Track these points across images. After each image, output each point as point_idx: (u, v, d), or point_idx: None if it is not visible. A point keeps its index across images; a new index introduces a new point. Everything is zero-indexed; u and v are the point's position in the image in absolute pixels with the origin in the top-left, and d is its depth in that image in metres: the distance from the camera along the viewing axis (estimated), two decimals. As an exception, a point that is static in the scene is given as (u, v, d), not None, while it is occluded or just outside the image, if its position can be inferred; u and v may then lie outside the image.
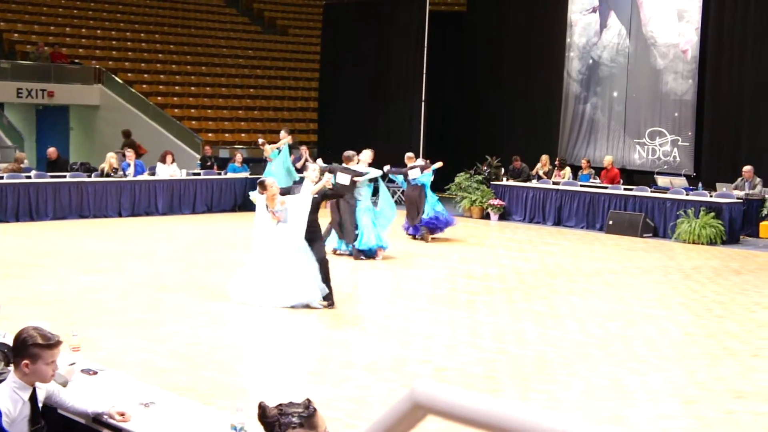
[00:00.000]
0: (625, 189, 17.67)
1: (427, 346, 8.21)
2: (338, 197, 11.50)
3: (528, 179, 19.26)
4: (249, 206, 18.56)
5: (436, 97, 22.53)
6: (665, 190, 17.16)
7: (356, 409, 6.32)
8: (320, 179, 10.05)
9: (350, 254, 13.10)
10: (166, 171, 18.13)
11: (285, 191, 9.99)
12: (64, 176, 17.24)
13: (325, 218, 11.83)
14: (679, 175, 18.21)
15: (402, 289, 11.08)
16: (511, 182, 19.06)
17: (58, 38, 24.99)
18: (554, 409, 6.52)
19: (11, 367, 3.82)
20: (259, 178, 18.43)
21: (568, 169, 19.38)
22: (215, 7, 29.69)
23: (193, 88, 25.64)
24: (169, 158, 18.33)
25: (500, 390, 6.94)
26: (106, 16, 26.80)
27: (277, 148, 17.99)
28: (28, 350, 3.69)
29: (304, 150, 19.24)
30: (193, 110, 24.88)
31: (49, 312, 8.70)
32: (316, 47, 26.74)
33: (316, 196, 9.79)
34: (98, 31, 26.11)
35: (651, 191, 17.19)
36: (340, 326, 9.04)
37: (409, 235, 15.26)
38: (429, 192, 15.02)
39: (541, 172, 19.52)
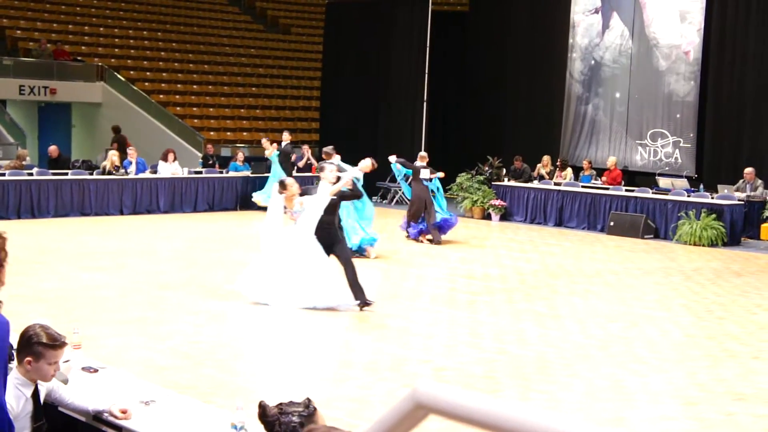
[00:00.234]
0: (626, 190, 17.68)
1: (427, 346, 8.21)
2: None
3: (529, 180, 19.26)
4: (250, 205, 18.68)
5: (437, 96, 22.52)
6: (666, 191, 17.16)
7: (356, 408, 6.32)
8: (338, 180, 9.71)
9: None
10: (168, 169, 18.14)
11: (303, 192, 9.74)
12: (66, 174, 17.25)
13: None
14: (681, 176, 18.20)
15: (402, 288, 11.08)
16: (513, 183, 19.06)
17: (61, 35, 25.01)
18: (555, 410, 6.52)
19: (14, 363, 3.82)
20: (261, 176, 18.68)
21: (569, 170, 19.38)
22: (218, 6, 29.71)
23: (195, 86, 25.66)
24: (170, 156, 18.33)
25: (500, 390, 6.93)
26: (109, 13, 26.82)
27: (277, 150, 18.07)
28: (33, 348, 3.70)
29: (306, 149, 19.27)
30: (195, 108, 24.89)
31: (49, 309, 8.71)
32: (319, 46, 26.74)
33: (334, 197, 9.60)
34: (101, 29, 26.12)
35: (652, 192, 17.19)
36: (340, 326, 9.04)
37: (411, 238, 14.99)
38: (440, 194, 15.01)
39: (543, 172, 19.52)
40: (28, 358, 3.70)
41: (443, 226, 14.98)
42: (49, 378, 3.81)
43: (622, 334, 8.91)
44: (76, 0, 26.74)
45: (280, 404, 3.46)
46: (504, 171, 19.72)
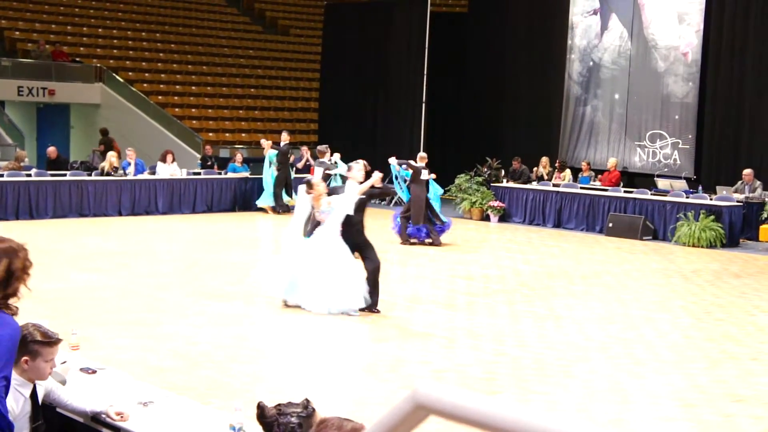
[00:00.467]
0: (625, 191, 17.68)
1: (426, 347, 8.20)
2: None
3: (528, 181, 19.26)
4: (249, 206, 18.69)
5: (436, 97, 22.51)
6: (665, 192, 17.16)
7: (355, 409, 6.32)
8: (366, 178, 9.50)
9: None
10: (167, 170, 18.13)
11: (331, 192, 9.57)
12: (65, 175, 17.25)
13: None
14: (680, 177, 18.21)
15: (401, 289, 11.07)
16: (511, 184, 19.07)
17: (60, 36, 25.00)
18: (553, 411, 6.51)
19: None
20: (260, 177, 18.70)
21: (568, 171, 19.39)
22: (216, 7, 29.71)
23: (193, 87, 25.66)
24: (169, 157, 18.33)
25: (499, 391, 6.93)
26: (108, 14, 26.82)
27: (274, 150, 18.12)
28: (28, 346, 3.70)
29: (305, 150, 19.28)
30: (193, 109, 24.89)
31: (48, 310, 8.69)
32: (317, 47, 26.75)
33: (363, 196, 9.45)
34: (99, 30, 26.12)
35: (651, 194, 17.19)
36: (340, 327, 9.03)
37: (411, 239, 14.84)
38: (436, 198, 15.00)
39: (543, 173, 19.53)
40: (25, 358, 3.70)
41: (441, 230, 14.99)
42: (46, 376, 3.81)
43: (621, 335, 8.91)
44: (75, 1, 26.75)
45: (279, 405, 3.46)
46: (503, 172, 19.73)
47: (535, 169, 19.71)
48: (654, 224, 16.57)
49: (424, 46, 21.78)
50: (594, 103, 20.57)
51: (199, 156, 21.28)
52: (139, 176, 17.77)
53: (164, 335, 8.29)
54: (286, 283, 9.48)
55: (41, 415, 3.82)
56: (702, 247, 15.42)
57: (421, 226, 14.80)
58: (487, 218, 18.66)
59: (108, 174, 17.33)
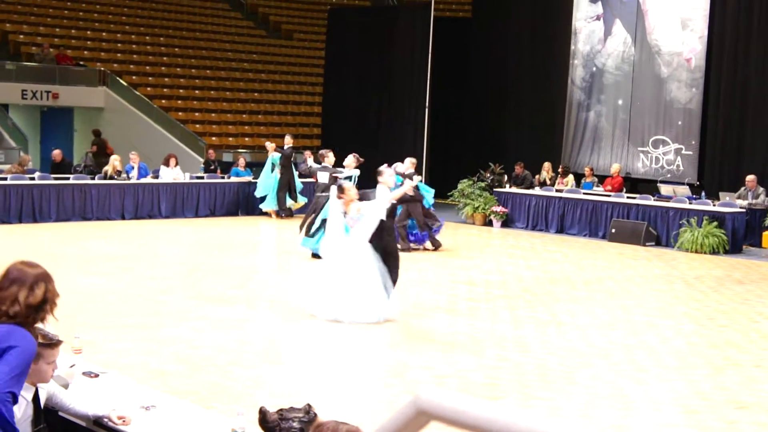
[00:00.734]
0: (628, 197, 17.67)
1: (428, 353, 8.19)
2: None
3: (531, 186, 19.26)
4: (252, 210, 18.68)
5: (439, 102, 22.53)
6: (668, 198, 17.15)
7: (357, 414, 6.31)
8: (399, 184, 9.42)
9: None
10: (170, 174, 18.15)
11: (361, 197, 9.47)
12: (68, 178, 17.27)
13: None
14: (683, 183, 18.20)
15: (402, 294, 11.05)
16: (514, 189, 19.06)
17: (63, 40, 25.05)
18: (555, 416, 6.50)
19: None
20: (257, 181, 18.72)
21: (571, 177, 19.39)
22: (220, 11, 29.75)
23: (197, 91, 25.69)
24: (172, 161, 18.34)
25: (501, 397, 6.92)
26: (112, 18, 26.87)
27: (278, 153, 18.12)
28: (30, 349, 3.69)
29: (308, 155, 19.29)
30: (197, 114, 24.93)
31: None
32: (321, 52, 26.79)
33: (394, 202, 9.35)
34: (103, 34, 26.18)
35: (654, 200, 17.18)
36: (341, 332, 9.02)
37: (413, 245, 14.81)
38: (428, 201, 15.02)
39: (546, 179, 19.53)
40: (27, 361, 3.70)
41: (437, 232, 15.01)
42: (48, 379, 3.81)
43: (624, 341, 8.90)
44: (79, 5, 26.80)
45: (281, 410, 3.46)
46: (505, 177, 19.72)
47: (537, 174, 19.71)
48: (657, 230, 16.55)
49: (427, 51, 21.80)
50: (597, 108, 20.58)
51: (202, 160, 21.31)
52: (143, 180, 17.79)
53: (166, 339, 8.29)
54: (325, 301, 9.30)
55: (43, 419, 3.82)
56: (705, 253, 15.40)
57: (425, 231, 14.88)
58: (489, 223, 18.65)
59: (111, 178, 17.35)
